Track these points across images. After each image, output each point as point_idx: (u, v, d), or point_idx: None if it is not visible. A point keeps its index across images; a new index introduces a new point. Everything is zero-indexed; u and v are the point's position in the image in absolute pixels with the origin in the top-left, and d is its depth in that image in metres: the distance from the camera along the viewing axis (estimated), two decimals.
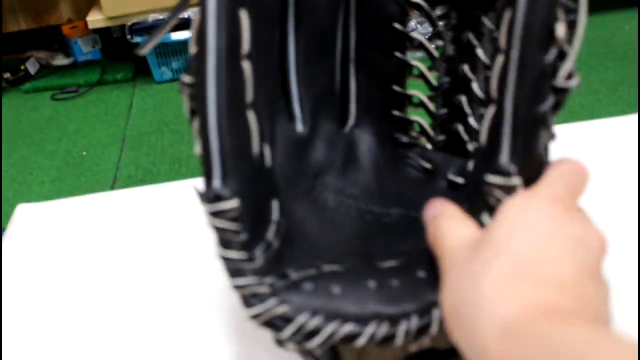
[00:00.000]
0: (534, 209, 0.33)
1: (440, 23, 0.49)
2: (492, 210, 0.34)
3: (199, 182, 0.55)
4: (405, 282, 0.35)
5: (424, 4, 0.49)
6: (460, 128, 0.48)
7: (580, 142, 0.64)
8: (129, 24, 2.32)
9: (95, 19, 2.38)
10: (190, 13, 2.29)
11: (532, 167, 0.35)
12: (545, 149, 0.36)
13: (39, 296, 0.51)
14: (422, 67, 0.50)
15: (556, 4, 0.34)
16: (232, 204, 0.33)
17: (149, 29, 2.32)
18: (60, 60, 2.65)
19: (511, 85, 0.33)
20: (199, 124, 0.35)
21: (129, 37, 2.33)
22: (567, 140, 0.63)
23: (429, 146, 0.51)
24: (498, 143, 0.33)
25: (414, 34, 0.49)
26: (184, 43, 2.37)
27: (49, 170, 1.94)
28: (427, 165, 0.48)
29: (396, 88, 0.50)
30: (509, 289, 0.30)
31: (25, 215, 0.63)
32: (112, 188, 1.80)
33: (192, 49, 0.35)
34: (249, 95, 0.36)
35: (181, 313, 0.48)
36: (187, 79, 0.36)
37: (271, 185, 0.40)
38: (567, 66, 0.34)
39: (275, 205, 0.39)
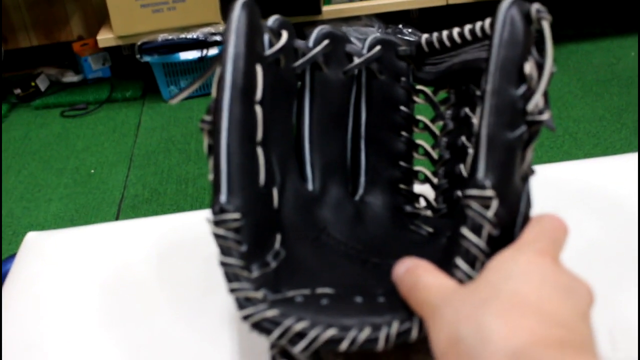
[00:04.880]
0: (525, 259, 0.35)
1: (442, 107, 0.54)
2: (472, 225, 0.37)
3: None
4: (391, 300, 0.38)
5: (427, 90, 0.55)
6: (460, 194, 0.51)
7: (581, 179, 0.65)
8: (139, 43, 2.34)
9: (105, 38, 2.41)
10: (200, 34, 2.31)
11: (509, 192, 0.38)
12: (524, 181, 0.40)
13: (43, 325, 0.53)
14: (426, 145, 0.54)
15: (525, 47, 0.39)
16: (234, 216, 0.38)
17: (158, 49, 2.34)
18: (70, 77, 2.68)
19: (486, 113, 0.38)
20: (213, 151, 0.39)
21: (138, 56, 2.36)
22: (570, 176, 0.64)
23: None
24: (476, 164, 0.37)
25: (419, 117, 0.55)
26: (192, 63, 2.40)
27: (57, 188, 1.96)
28: (430, 230, 0.51)
29: (403, 164, 0.54)
30: (515, 323, 0.31)
31: (35, 243, 0.64)
32: (119, 207, 1.82)
33: (214, 93, 0.40)
34: (259, 134, 0.41)
35: (185, 343, 0.50)
36: (207, 117, 0.41)
37: (276, 222, 0.43)
38: (535, 99, 0.38)
39: (277, 237, 0.42)
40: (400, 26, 2.54)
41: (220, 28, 2.36)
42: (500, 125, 0.37)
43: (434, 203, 0.55)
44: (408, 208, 0.54)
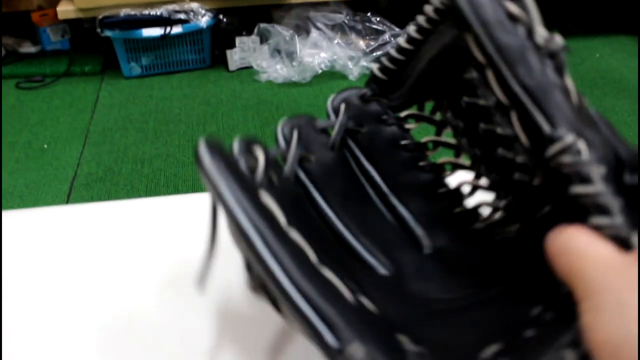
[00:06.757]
0: None
1: (438, 114, 0.50)
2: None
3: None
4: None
5: (413, 111, 0.50)
6: (518, 176, 0.45)
7: None
8: (100, 17, 2.28)
9: (65, 9, 2.34)
10: (164, 10, 2.26)
11: (584, 126, 0.34)
12: (584, 110, 0.35)
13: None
14: (452, 159, 0.50)
15: None
16: (356, 348, 0.31)
17: (120, 23, 2.28)
18: (28, 48, 2.60)
19: (507, 68, 0.34)
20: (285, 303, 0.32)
21: (98, 30, 2.29)
22: None
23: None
24: (535, 123, 0.33)
25: (424, 139, 0.51)
26: (155, 40, 2.33)
27: (7, 162, 1.89)
28: (514, 228, 0.46)
29: (441, 190, 0.50)
30: None
31: None
32: (72, 185, 1.77)
33: (239, 248, 0.33)
34: (312, 257, 0.34)
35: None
36: (251, 284, 0.35)
37: (386, 325, 0.37)
38: (540, 31, 0.35)
39: (401, 337, 0.36)
40: (369, 14, 2.52)
41: (185, 6, 2.31)
42: (529, 70, 0.34)
43: (491, 201, 0.49)
44: (478, 225, 0.49)
